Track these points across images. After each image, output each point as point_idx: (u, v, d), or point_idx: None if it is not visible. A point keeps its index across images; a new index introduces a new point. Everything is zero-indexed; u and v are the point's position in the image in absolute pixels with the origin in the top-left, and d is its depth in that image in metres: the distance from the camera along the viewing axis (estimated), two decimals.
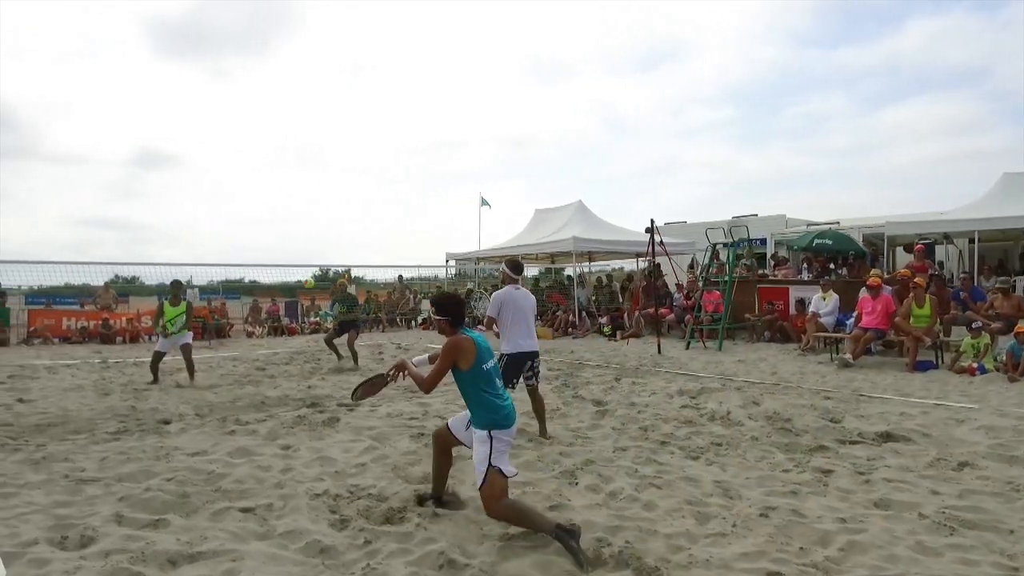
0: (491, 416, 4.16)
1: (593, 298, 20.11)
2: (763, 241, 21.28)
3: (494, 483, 4.02)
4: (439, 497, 4.62)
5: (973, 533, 4.06)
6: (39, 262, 18.98)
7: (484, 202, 29.01)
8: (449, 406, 8.17)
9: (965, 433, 6.56)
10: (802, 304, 14.04)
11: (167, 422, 7.44)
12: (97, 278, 21.76)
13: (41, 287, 23.18)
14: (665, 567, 3.60)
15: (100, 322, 18.95)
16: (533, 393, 6.72)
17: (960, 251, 17.93)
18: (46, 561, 3.63)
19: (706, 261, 15.92)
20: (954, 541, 3.94)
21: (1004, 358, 9.70)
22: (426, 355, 4.89)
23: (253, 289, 30.92)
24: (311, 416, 7.60)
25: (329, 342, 12.60)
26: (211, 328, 19.43)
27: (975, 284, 13.16)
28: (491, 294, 7.14)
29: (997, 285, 11.49)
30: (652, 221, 13.71)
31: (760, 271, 17.70)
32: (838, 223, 20.61)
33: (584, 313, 18.81)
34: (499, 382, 4.34)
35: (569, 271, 25.26)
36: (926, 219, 18.09)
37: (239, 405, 8.56)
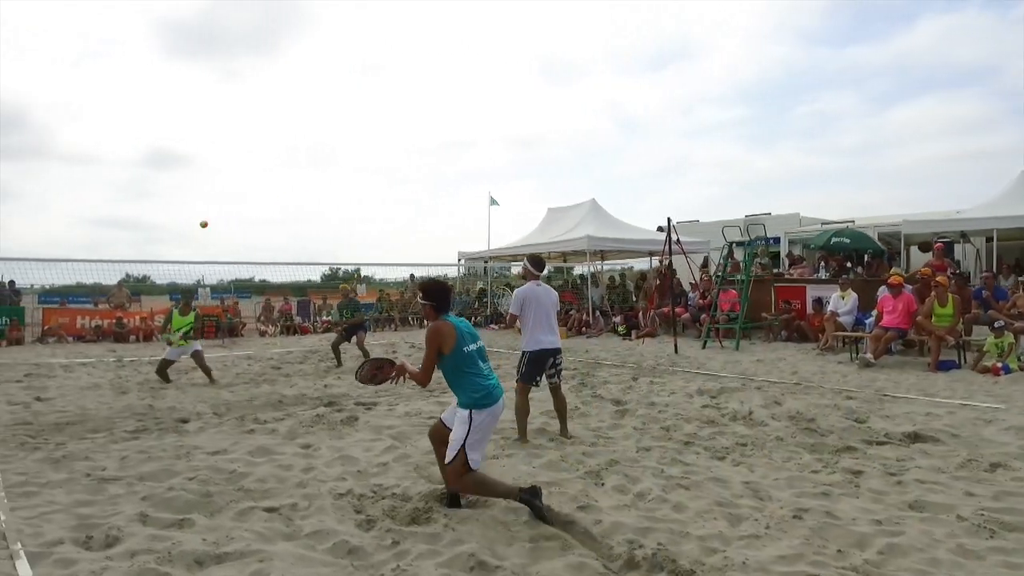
0: (472, 396, 4.32)
1: (606, 297, 20.02)
2: (777, 240, 21.11)
3: (462, 461, 4.26)
4: (453, 495, 4.55)
5: (1014, 536, 3.96)
6: (51, 260, 19.06)
7: (493, 201, 28.95)
8: None
9: (994, 434, 6.44)
10: (819, 303, 13.90)
11: (185, 421, 7.42)
12: (109, 277, 21.83)
13: (53, 286, 23.28)
14: (700, 570, 3.52)
15: (114, 321, 19.00)
16: (556, 391, 6.65)
17: (977, 250, 17.74)
18: (72, 561, 3.58)
19: (722, 259, 15.79)
20: (995, 544, 3.84)
21: None
22: None
23: (264, 288, 30.99)
24: (329, 415, 7.56)
25: (336, 347, 12.52)
26: (224, 327, 19.47)
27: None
28: (504, 288, 7.10)
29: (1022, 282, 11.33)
30: (669, 219, 13.62)
31: (774, 270, 17.56)
32: (853, 222, 20.41)
33: (598, 312, 18.71)
34: (483, 364, 4.48)
35: (579, 270, 25.18)
36: (943, 217, 17.89)
37: (256, 404, 8.53)
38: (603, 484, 4.98)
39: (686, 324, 15.96)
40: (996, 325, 10.19)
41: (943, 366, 10.08)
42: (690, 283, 17.78)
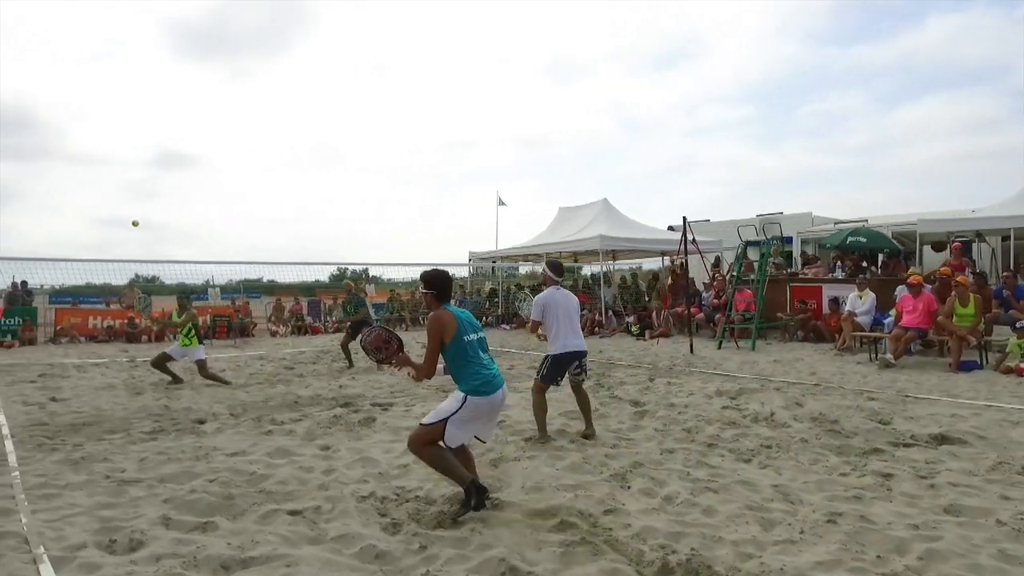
0: (472, 383, 4.32)
1: (618, 297, 19.92)
2: (789, 239, 20.98)
3: (437, 431, 4.27)
4: (478, 488, 4.44)
5: None
6: (62, 260, 19.14)
7: (501, 201, 28.93)
8: None
9: (1022, 435, 6.33)
10: (836, 303, 13.78)
11: (202, 422, 7.37)
12: (118, 277, 21.90)
13: (63, 286, 23.34)
14: None
15: (126, 321, 19.01)
16: (578, 389, 6.61)
17: (993, 249, 17.57)
18: (96, 566, 3.53)
19: (738, 259, 15.68)
20: None
21: None
22: (441, 365, 4.71)
23: (272, 288, 31.03)
24: (346, 416, 7.51)
25: (344, 347, 12.44)
26: (235, 327, 19.47)
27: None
28: (520, 293, 7.05)
29: None
30: (685, 219, 13.51)
31: (787, 269, 17.43)
32: (866, 221, 20.27)
33: (611, 312, 18.62)
34: (483, 354, 4.47)
35: (586, 270, 25.11)
36: (958, 217, 17.72)
37: (272, 404, 8.48)
38: (629, 487, 4.89)
39: (700, 324, 15.85)
40: (1018, 325, 10.05)
41: (964, 366, 9.95)
42: (703, 283, 17.67)
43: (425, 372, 4.45)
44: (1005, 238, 16.38)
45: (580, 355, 6.48)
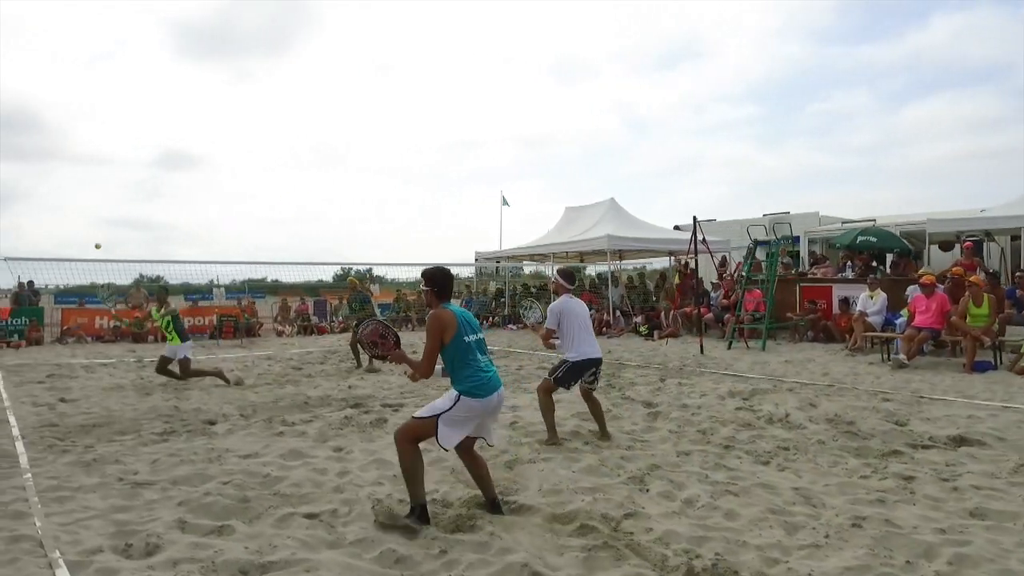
0: (468, 384, 4.22)
1: (625, 297, 19.85)
2: (796, 239, 20.89)
3: (428, 427, 4.18)
4: (494, 503, 4.42)
5: None
6: (67, 260, 19.15)
7: (504, 201, 28.88)
8: None
9: None
10: (846, 303, 13.69)
11: (213, 423, 7.33)
12: (122, 277, 21.86)
13: (67, 286, 23.33)
14: None
15: (132, 321, 18.97)
16: (588, 396, 6.54)
17: (1002, 248, 17.47)
18: (113, 571, 3.48)
19: (749, 258, 15.60)
20: None
21: None
22: (440, 367, 4.61)
23: (277, 288, 30.99)
24: (357, 417, 7.46)
25: (353, 347, 12.37)
26: (242, 327, 19.44)
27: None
28: (526, 300, 6.96)
29: None
30: (695, 218, 13.44)
31: (794, 269, 17.34)
32: (875, 220, 20.18)
33: (618, 312, 18.55)
34: (482, 356, 4.36)
35: (590, 270, 25.03)
36: (967, 216, 17.62)
37: (282, 405, 8.43)
38: (647, 490, 4.83)
39: (709, 324, 15.77)
40: None
41: (978, 367, 9.87)
42: (711, 282, 17.58)
43: (423, 371, 4.34)
44: (1015, 237, 16.27)
45: (597, 362, 6.44)
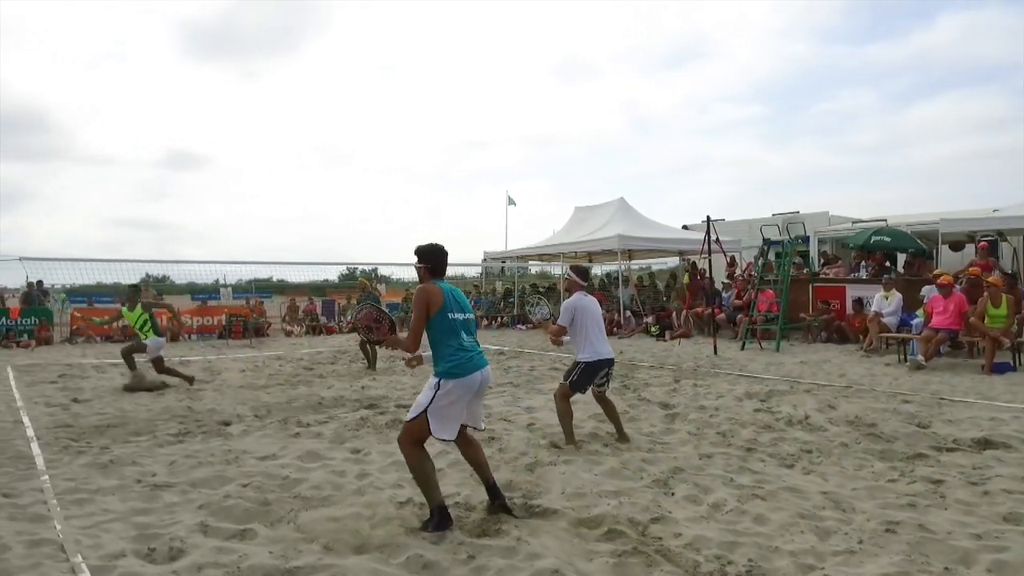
0: (446, 365, 4.11)
1: (636, 297, 19.78)
2: (806, 239, 20.78)
3: (421, 426, 4.11)
4: (492, 488, 4.35)
5: None
6: (76, 259, 19.18)
7: (510, 201, 28.86)
8: (509, 407, 7.94)
9: None
10: (860, 303, 13.59)
11: (227, 424, 7.29)
12: (129, 277, 21.88)
13: (74, 286, 23.36)
14: None
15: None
16: (602, 398, 6.46)
17: (1015, 248, 17.33)
18: None
19: (761, 258, 15.51)
20: None
21: None
22: (427, 353, 4.49)
23: (283, 288, 31.00)
24: (372, 418, 7.41)
25: (363, 346, 12.32)
26: (251, 327, 19.43)
27: None
28: (533, 297, 6.85)
29: None
30: (708, 218, 13.36)
31: (805, 269, 17.24)
32: (886, 220, 20.06)
33: (628, 312, 18.47)
34: (467, 336, 4.24)
35: (596, 269, 24.94)
36: (980, 216, 17.48)
37: (296, 406, 8.39)
38: (673, 494, 4.76)
39: (721, 324, 15.69)
40: None
41: (997, 368, 9.77)
42: (723, 282, 17.49)
43: (409, 343, 4.23)
44: None
45: (610, 363, 6.35)
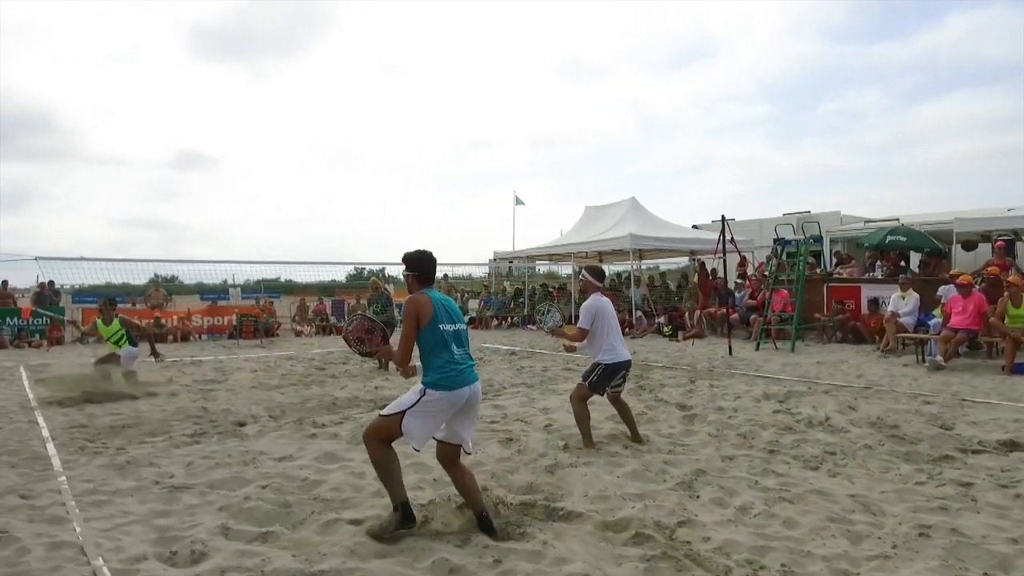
0: (435, 376, 3.98)
1: (648, 297, 19.67)
2: (821, 239, 20.63)
3: (394, 425, 3.97)
4: (483, 517, 4.08)
5: None
6: (87, 259, 19.24)
7: (518, 201, 28.77)
8: (525, 408, 7.87)
9: None
10: (875, 303, 13.47)
11: (242, 424, 7.25)
12: (137, 277, 21.94)
13: (83, 286, 23.41)
14: None
15: (152, 321, 18.97)
16: (617, 400, 6.38)
17: None
18: None
19: (776, 257, 15.39)
20: None
21: None
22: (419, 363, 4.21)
23: (291, 288, 31.00)
24: None
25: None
26: (261, 327, 19.41)
27: None
28: (543, 305, 6.74)
29: None
30: (723, 217, 13.25)
31: (818, 269, 17.11)
32: (898, 220, 19.91)
33: (640, 312, 18.37)
34: (457, 348, 4.08)
35: (606, 270, 24.85)
36: (995, 215, 17.33)
37: (310, 406, 8.34)
38: (698, 496, 4.69)
39: (734, 325, 15.58)
40: None
41: (1018, 369, 9.64)
42: (736, 282, 17.37)
43: (399, 357, 4.06)
44: None
45: (628, 365, 6.27)
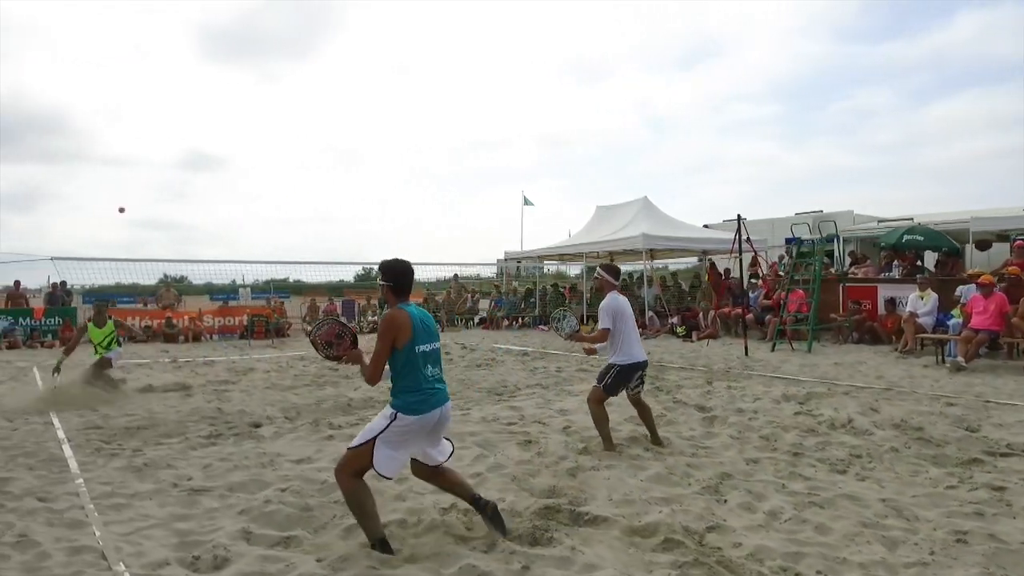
0: (406, 398, 3.78)
1: (661, 297, 19.56)
2: (837, 238, 20.46)
3: (365, 456, 3.71)
4: (476, 500, 4.02)
5: None
6: (98, 259, 19.30)
7: (527, 201, 28.70)
8: (542, 410, 7.78)
9: None
10: (892, 304, 13.33)
11: (258, 425, 7.20)
12: (147, 277, 21.99)
13: (93, 286, 23.48)
14: None
15: (163, 321, 18.99)
16: (637, 401, 6.28)
17: None
18: None
19: (791, 258, 15.26)
20: None
21: None
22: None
23: (300, 288, 31.02)
24: None
25: None
26: (272, 327, 19.40)
27: None
28: (559, 311, 6.62)
29: None
30: (739, 216, 13.13)
31: (833, 268, 16.97)
32: (912, 219, 19.73)
33: (652, 313, 18.27)
34: (431, 368, 3.89)
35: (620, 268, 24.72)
36: (1012, 214, 17.14)
37: (324, 407, 8.29)
38: (726, 501, 4.60)
39: (749, 325, 15.46)
40: None
41: None
42: (750, 281, 17.24)
43: (369, 374, 3.86)
44: None
45: (644, 366, 6.16)
